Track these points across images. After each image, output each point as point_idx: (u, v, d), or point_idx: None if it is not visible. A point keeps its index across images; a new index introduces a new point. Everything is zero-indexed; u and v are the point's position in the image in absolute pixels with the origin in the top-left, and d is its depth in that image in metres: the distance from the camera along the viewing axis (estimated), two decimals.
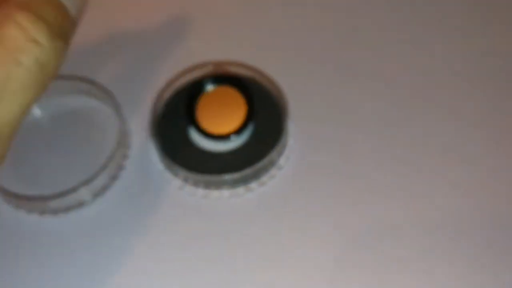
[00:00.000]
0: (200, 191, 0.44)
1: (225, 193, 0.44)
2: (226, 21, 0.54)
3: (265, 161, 0.44)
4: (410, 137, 0.46)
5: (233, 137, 0.45)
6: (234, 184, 0.44)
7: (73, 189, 0.43)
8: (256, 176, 0.44)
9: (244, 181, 0.44)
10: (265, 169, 0.44)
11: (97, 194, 0.44)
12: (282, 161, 0.45)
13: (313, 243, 0.42)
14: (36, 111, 0.49)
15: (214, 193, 0.44)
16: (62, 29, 0.31)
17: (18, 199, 0.43)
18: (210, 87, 0.46)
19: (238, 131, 0.45)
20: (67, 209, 0.44)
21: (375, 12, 0.53)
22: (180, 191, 0.45)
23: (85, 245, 0.43)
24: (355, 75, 0.49)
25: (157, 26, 0.53)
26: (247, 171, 0.43)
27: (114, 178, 0.45)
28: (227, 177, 0.43)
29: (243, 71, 0.48)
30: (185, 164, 0.44)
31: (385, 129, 0.47)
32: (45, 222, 0.44)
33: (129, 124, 0.47)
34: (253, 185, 0.44)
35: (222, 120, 0.46)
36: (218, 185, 0.44)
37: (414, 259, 0.41)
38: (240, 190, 0.44)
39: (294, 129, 0.46)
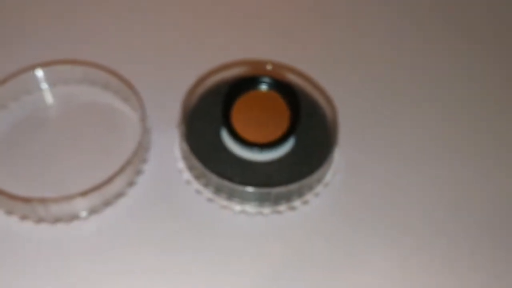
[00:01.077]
0: (235, 206, 0.37)
1: (266, 209, 0.37)
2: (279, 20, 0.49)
3: (312, 177, 0.37)
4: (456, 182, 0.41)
5: (275, 147, 0.38)
6: (276, 200, 0.37)
7: (82, 194, 0.35)
8: (300, 192, 0.38)
9: (287, 197, 0.37)
10: (310, 186, 0.38)
11: (109, 202, 0.37)
12: (328, 178, 0.39)
13: (362, 268, 0.36)
14: (48, 98, 0.42)
15: (249, 208, 0.37)
16: None
17: (14, 201, 0.35)
18: (251, 88, 0.40)
19: (281, 141, 0.38)
20: (71, 217, 0.36)
21: (437, 50, 0.48)
22: (210, 203, 0.38)
23: (87, 259, 0.35)
24: (410, 104, 0.44)
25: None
26: (293, 187, 0.36)
27: (130, 184, 0.38)
28: (270, 191, 0.36)
29: (290, 75, 0.41)
30: (218, 172, 0.37)
31: (435, 162, 0.41)
32: (42, 231, 0.36)
33: (151, 123, 0.40)
34: (297, 203, 0.38)
35: (261, 127, 0.40)
36: (255, 199, 0.37)
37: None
38: (282, 207, 0.37)
39: (341, 146, 0.40)
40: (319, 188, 0.38)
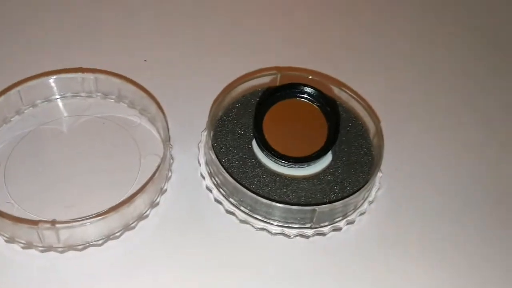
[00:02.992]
0: (272, 227, 0.32)
1: (307, 231, 0.32)
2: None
3: (359, 194, 0.32)
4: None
5: (315, 160, 0.33)
6: (318, 219, 0.32)
7: (98, 217, 0.30)
8: (344, 211, 0.33)
9: (331, 217, 0.32)
10: (355, 204, 0.33)
11: (129, 225, 0.31)
12: (372, 195, 0.34)
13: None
14: (63, 109, 0.36)
15: (288, 229, 0.32)
16: None
17: (17, 224, 0.29)
18: (286, 98, 0.35)
19: (321, 154, 0.33)
20: (85, 244, 0.30)
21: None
22: (243, 225, 0.32)
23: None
24: (453, 119, 0.40)
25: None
26: (338, 204, 0.31)
27: (152, 204, 0.32)
28: (314, 209, 0.31)
29: (324, 84, 0.37)
30: (252, 189, 0.32)
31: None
32: (50, 261, 0.30)
33: (174, 138, 0.35)
34: (341, 223, 0.33)
35: (296, 139, 0.35)
36: (295, 219, 0.32)
37: None
38: (326, 228, 0.32)
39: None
40: (364, 206, 0.33)
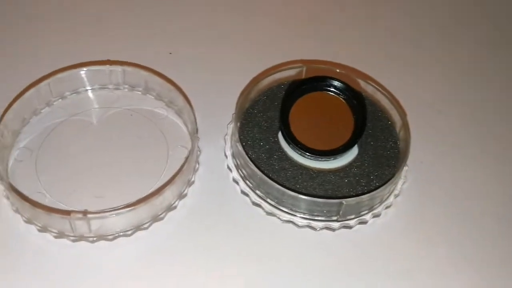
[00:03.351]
0: (299, 219, 0.32)
1: (333, 224, 0.32)
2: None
3: (386, 187, 0.32)
4: None
5: (342, 154, 0.33)
6: (345, 212, 0.32)
7: (128, 208, 0.30)
8: (370, 204, 0.33)
9: (357, 210, 0.33)
10: (381, 197, 0.33)
11: (158, 216, 0.31)
12: (398, 188, 0.34)
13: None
14: (93, 101, 0.37)
15: (314, 222, 0.32)
16: None
17: (50, 214, 0.29)
18: (313, 90, 0.35)
19: (348, 147, 0.33)
20: (115, 234, 0.30)
21: None
22: (269, 217, 0.32)
23: (132, 283, 0.29)
24: (480, 111, 0.39)
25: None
26: (365, 198, 0.31)
27: (180, 196, 0.32)
28: (341, 202, 0.31)
29: (350, 77, 0.37)
30: (279, 181, 0.32)
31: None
32: (81, 250, 0.30)
33: (201, 130, 0.35)
34: (367, 216, 0.33)
35: (322, 132, 0.35)
36: (322, 211, 0.32)
37: None
38: (352, 221, 0.32)
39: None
40: (390, 199, 0.33)
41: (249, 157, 0.33)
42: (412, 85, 0.40)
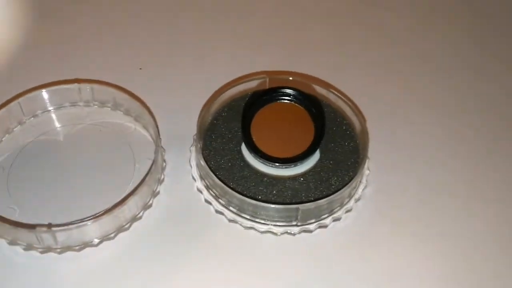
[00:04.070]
0: (260, 226, 0.33)
1: (294, 228, 0.33)
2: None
3: (343, 192, 0.33)
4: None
5: (301, 160, 0.34)
6: (304, 217, 0.33)
7: (92, 219, 0.31)
8: (329, 208, 0.33)
9: (317, 214, 0.33)
10: (340, 201, 0.34)
11: (123, 226, 0.32)
12: (359, 192, 0.35)
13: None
14: (55, 119, 0.38)
15: (275, 228, 0.33)
16: None
17: (17, 229, 0.31)
18: (272, 101, 0.36)
19: (307, 154, 0.34)
20: (81, 245, 0.32)
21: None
22: (232, 224, 0.33)
23: None
24: (440, 112, 0.40)
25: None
26: (323, 202, 0.32)
27: (145, 206, 0.33)
28: (297, 207, 0.32)
29: (312, 86, 0.38)
30: (240, 190, 0.33)
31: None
32: (49, 261, 0.31)
33: (166, 142, 0.37)
34: (327, 220, 0.33)
35: (284, 140, 0.36)
36: (282, 217, 0.33)
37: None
38: (312, 225, 0.33)
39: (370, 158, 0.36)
40: (350, 204, 0.34)
41: (209, 167, 0.33)
42: (373, 91, 0.41)
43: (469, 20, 0.48)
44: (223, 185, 0.33)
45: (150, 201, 0.34)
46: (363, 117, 0.37)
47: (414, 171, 0.37)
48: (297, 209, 0.32)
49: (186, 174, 0.35)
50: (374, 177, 0.36)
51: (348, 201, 0.34)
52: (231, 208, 0.33)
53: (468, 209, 0.35)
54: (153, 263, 0.32)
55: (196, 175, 0.35)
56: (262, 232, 0.33)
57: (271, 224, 0.33)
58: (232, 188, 0.33)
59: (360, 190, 0.35)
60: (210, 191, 0.34)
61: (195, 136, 0.36)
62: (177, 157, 0.36)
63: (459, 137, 0.39)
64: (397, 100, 0.41)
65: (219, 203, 0.34)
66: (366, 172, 0.35)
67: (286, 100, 0.36)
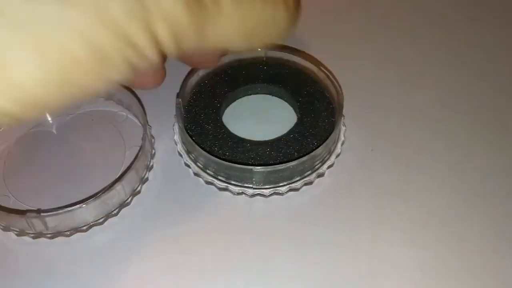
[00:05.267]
0: (249, 190, 0.33)
1: (281, 188, 0.33)
2: None
3: (322, 151, 0.32)
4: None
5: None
6: (290, 175, 0.32)
7: (81, 204, 0.31)
8: (311, 166, 0.33)
9: (301, 173, 0.32)
10: (322, 157, 0.33)
11: (112, 212, 0.33)
12: (338, 148, 0.34)
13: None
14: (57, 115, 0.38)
15: (264, 190, 0.33)
16: None
17: (8, 215, 0.31)
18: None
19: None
20: (71, 230, 0.32)
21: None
22: (222, 192, 0.33)
23: (90, 274, 0.31)
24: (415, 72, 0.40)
25: None
26: (305, 159, 0.31)
27: (134, 192, 0.34)
28: (284, 167, 0.31)
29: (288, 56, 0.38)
30: (226, 158, 0.33)
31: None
32: (40, 246, 0.32)
33: (155, 130, 0.37)
34: (312, 176, 0.33)
35: None
36: (267, 180, 0.32)
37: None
38: (298, 183, 0.33)
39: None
40: (331, 159, 0.34)
41: (194, 141, 0.33)
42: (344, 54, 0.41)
43: None
44: (207, 155, 0.32)
45: (139, 188, 0.34)
46: (339, 85, 0.36)
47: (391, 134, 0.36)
48: (285, 169, 0.31)
49: (173, 157, 0.35)
50: (351, 133, 0.35)
51: (329, 157, 0.33)
52: (219, 177, 0.33)
53: (448, 165, 0.34)
54: (141, 247, 0.32)
55: (183, 152, 0.35)
56: (251, 196, 0.32)
57: (259, 188, 0.32)
58: (216, 157, 0.32)
59: (339, 147, 0.34)
60: (198, 164, 0.34)
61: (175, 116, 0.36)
62: (167, 145, 0.36)
63: (435, 93, 0.38)
64: (370, 61, 0.41)
65: (207, 173, 0.33)
66: (343, 128, 0.35)
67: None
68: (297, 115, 0.35)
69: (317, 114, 0.34)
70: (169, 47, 0.19)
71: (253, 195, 0.32)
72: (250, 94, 0.37)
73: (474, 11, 0.44)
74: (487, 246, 0.31)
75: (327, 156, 0.33)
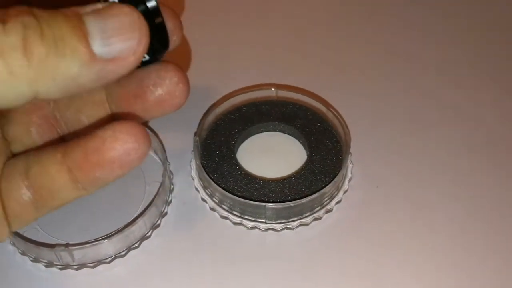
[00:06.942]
0: (262, 225, 0.35)
1: (292, 223, 0.34)
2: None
3: (330, 189, 0.34)
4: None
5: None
6: (300, 211, 0.34)
7: (105, 238, 0.33)
8: (321, 203, 0.35)
9: (310, 209, 0.34)
10: (330, 194, 0.35)
11: (134, 245, 0.35)
12: (341, 193, 0.36)
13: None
14: None
15: (276, 225, 0.34)
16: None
17: (39, 248, 0.33)
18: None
19: None
20: (96, 262, 0.34)
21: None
22: (236, 226, 0.35)
23: None
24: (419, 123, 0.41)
25: None
26: (314, 196, 0.33)
27: (153, 226, 0.36)
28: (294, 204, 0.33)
29: (298, 95, 0.40)
30: (240, 194, 0.35)
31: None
32: (67, 277, 0.34)
33: (173, 166, 0.39)
34: (320, 212, 0.35)
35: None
36: (279, 215, 0.34)
37: None
38: (308, 219, 0.34)
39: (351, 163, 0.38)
40: (339, 195, 0.36)
41: (210, 178, 0.35)
42: (349, 95, 0.43)
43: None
44: (222, 191, 0.34)
45: (158, 221, 0.36)
46: (344, 126, 0.38)
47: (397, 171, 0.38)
48: (296, 206, 0.33)
49: (190, 192, 0.37)
50: (359, 174, 0.37)
51: (337, 193, 0.35)
52: (234, 212, 0.35)
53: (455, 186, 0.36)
54: (161, 277, 0.34)
55: (201, 188, 0.37)
56: (264, 230, 0.34)
57: (271, 223, 0.34)
58: (231, 193, 0.34)
59: (346, 182, 0.36)
60: (214, 199, 0.36)
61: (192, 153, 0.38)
62: (185, 180, 0.38)
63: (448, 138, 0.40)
64: (376, 101, 0.43)
65: (222, 208, 0.35)
66: (350, 165, 0.37)
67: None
68: (306, 152, 0.37)
69: (326, 151, 0.36)
70: None
71: (266, 230, 0.34)
72: (263, 132, 0.39)
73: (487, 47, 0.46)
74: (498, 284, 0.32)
75: (335, 193, 0.35)
